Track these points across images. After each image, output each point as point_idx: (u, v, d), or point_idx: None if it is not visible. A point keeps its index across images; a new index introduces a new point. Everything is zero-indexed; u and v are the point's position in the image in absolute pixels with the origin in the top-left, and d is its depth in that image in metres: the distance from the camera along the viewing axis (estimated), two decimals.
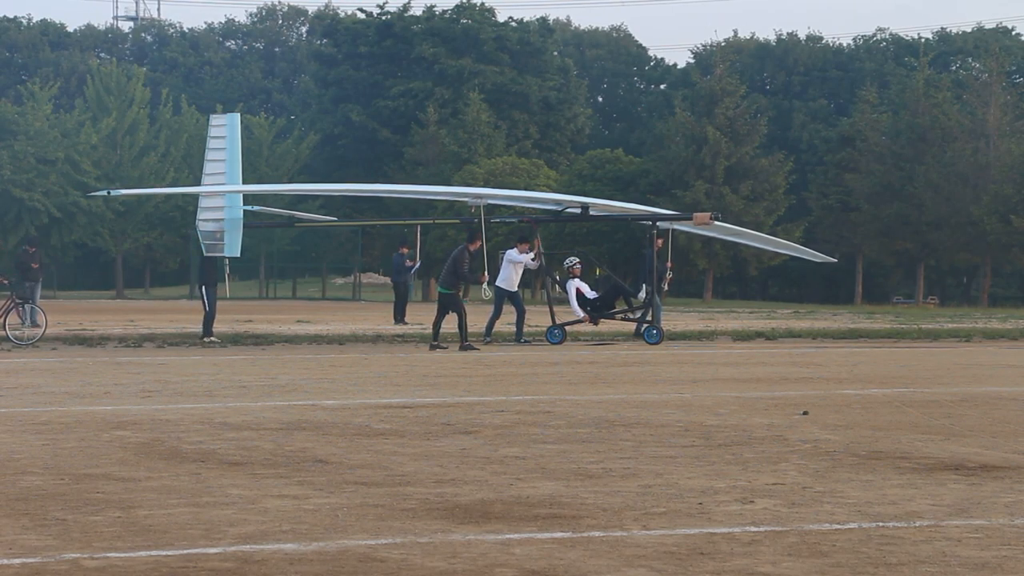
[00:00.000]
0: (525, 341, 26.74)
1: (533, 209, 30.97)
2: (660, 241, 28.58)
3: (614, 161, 72.02)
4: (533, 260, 27.38)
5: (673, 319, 36.84)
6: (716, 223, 28.72)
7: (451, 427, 11.90)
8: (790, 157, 73.50)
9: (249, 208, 29.83)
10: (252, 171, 72.56)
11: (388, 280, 51.76)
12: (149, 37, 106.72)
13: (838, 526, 7.50)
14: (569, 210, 29.34)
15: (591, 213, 29.46)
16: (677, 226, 31.54)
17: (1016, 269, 75.40)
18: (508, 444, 10.81)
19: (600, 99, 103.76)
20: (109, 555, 6.68)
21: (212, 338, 26.01)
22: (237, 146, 27.98)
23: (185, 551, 6.79)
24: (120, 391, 15.35)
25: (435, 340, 24.81)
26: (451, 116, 77.57)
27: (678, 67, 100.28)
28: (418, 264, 35.97)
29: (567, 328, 27.35)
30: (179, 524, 7.44)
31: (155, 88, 78.61)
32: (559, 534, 7.24)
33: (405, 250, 35.81)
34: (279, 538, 7.10)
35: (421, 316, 37.62)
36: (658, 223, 28.90)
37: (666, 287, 29.27)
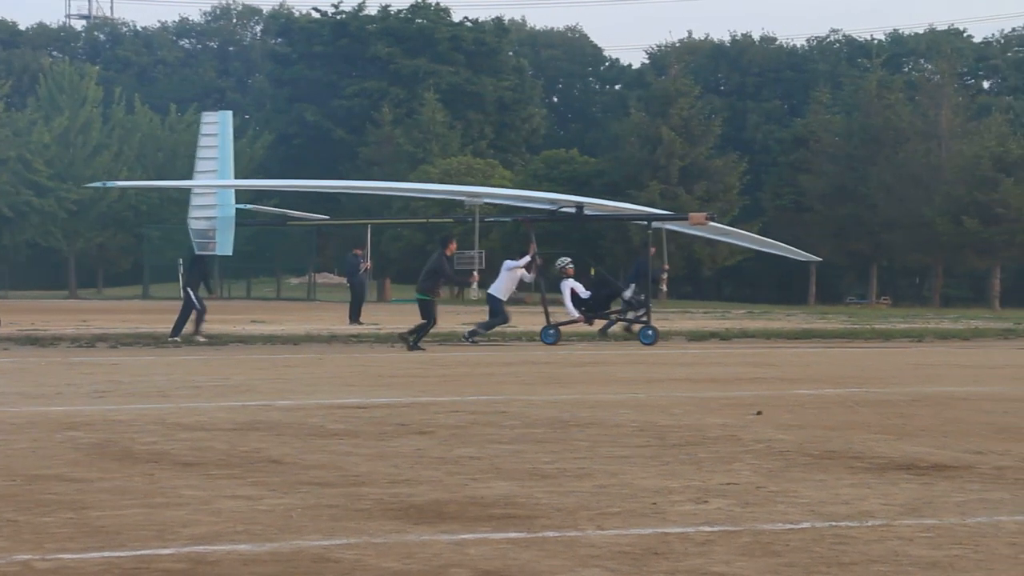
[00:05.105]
0: (472, 341, 26.64)
1: (528, 209, 30.85)
2: (653, 250, 28.68)
3: (569, 161, 72.12)
4: (530, 273, 27.48)
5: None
6: (710, 223, 28.81)
7: (406, 427, 11.88)
8: (744, 158, 73.81)
9: (242, 206, 29.71)
10: None
11: (343, 280, 51.56)
12: (102, 36, 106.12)
13: (791, 526, 7.53)
14: (564, 210, 29.32)
15: (586, 213, 29.43)
16: (671, 226, 31.58)
17: (967, 270, 75.93)
18: (463, 444, 10.80)
19: (555, 99, 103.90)
20: (61, 556, 6.64)
21: (200, 337, 26.00)
22: (229, 144, 27.90)
23: (138, 552, 6.75)
24: (73, 391, 15.26)
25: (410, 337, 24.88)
26: (406, 116, 77.55)
27: (633, 67, 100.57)
28: (368, 265, 35.88)
29: (561, 328, 27.37)
30: (132, 525, 7.40)
31: (108, 87, 78.21)
32: (513, 534, 7.24)
33: (359, 251, 35.75)
34: (233, 539, 7.07)
35: (376, 316, 37.56)
36: (652, 223, 28.99)
37: (663, 288, 29.34)
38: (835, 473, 9.41)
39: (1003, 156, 66.65)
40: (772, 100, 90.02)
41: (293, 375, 18.09)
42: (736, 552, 6.84)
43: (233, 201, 27.78)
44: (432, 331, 25.46)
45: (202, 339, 25.94)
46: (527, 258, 27.54)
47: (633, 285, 28.11)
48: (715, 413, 13.25)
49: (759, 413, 13.16)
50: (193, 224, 27.53)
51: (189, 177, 65.81)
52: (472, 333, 26.87)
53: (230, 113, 28.85)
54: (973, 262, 70.01)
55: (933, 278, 73.97)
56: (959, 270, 76.77)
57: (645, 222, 29.42)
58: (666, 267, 29.69)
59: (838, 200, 70.90)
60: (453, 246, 26.03)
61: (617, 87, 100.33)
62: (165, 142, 77.43)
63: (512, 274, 27.67)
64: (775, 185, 75.91)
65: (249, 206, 32.47)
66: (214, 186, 27.55)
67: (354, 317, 35.03)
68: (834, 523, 7.59)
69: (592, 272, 30.40)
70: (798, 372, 19.59)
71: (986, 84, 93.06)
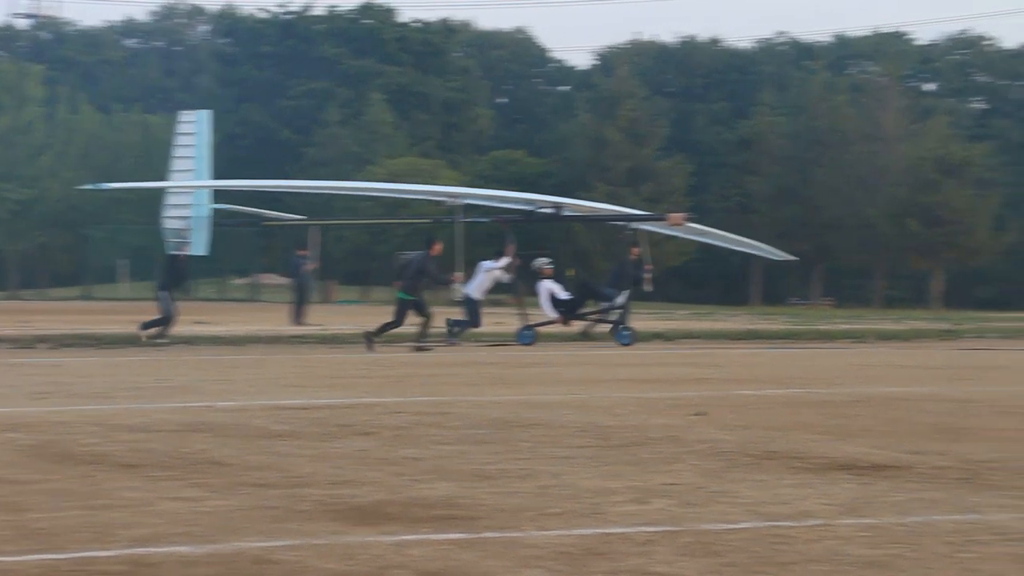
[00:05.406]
0: (452, 342, 26.61)
1: (507, 209, 30.78)
2: (636, 251, 28.77)
3: (516, 162, 72.21)
4: (507, 272, 27.39)
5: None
6: (687, 224, 28.89)
7: (348, 428, 11.86)
8: (690, 159, 74.06)
9: (218, 206, 29.50)
10: (150, 169, 71.80)
11: (288, 281, 51.39)
12: (46, 35, 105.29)
13: (732, 526, 7.56)
14: (542, 210, 29.31)
15: (564, 213, 29.38)
16: (648, 227, 31.62)
17: (910, 271, 76.48)
18: (405, 445, 10.79)
19: (502, 100, 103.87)
20: None
21: (163, 339, 25.83)
22: (206, 143, 27.71)
23: (77, 554, 6.72)
24: (13, 392, 15.14)
25: (421, 342, 24.85)
26: (352, 116, 77.39)
27: (580, 69, 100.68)
28: (313, 265, 35.79)
29: (538, 329, 27.41)
30: (71, 527, 7.36)
31: (52, 86, 77.67)
32: (455, 535, 7.25)
33: (304, 252, 35.69)
34: (173, 540, 7.04)
35: (321, 317, 37.45)
36: (630, 224, 29.06)
37: (648, 288, 29.31)
38: (776, 473, 9.46)
39: (946, 158, 67.19)
40: (718, 102, 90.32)
41: (236, 376, 18.03)
42: (677, 552, 6.87)
43: (208, 200, 27.64)
44: (391, 332, 25.37)
45: (151, 338, 25.82)
46: (506, 259, 27.48)
47: (627, 291, 28.21)
48: (658, 414, 13.29)
49: (702, 414, 13.21)
50: (168, 224, 27.38)
51: (134, 177, 65.47)
52: (449, 333, 26.82)
53: (208, 112, 28.65)
54: (915, 263, 70.54)
55: (876, 279, 74.43)
56: (901, 271, 77.32)
57: (623, 223, 29.51)
58: (649, 267, 29.66)
59: (783, 201, 71.30)
60: (438, 247, 25.93)
61: (564, 88, 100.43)
62: (110, 142, 76.98)
63: (490, 274, 27.65)
64: (721, 187, 76.24)
65: (226, 206, 32.22)
66: (206, 187, 27.41)
67: (298, 318, 34.94)
68: (774, 523, 7.63)
69: (569, 273, 30.54)
70: (741, 373, 19.67)
71: (929, 87, 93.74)
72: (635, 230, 29.42)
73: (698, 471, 9.53)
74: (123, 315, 36.62)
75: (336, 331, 29.69)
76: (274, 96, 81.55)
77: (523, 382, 17.38)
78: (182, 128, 28.10)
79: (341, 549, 6.89)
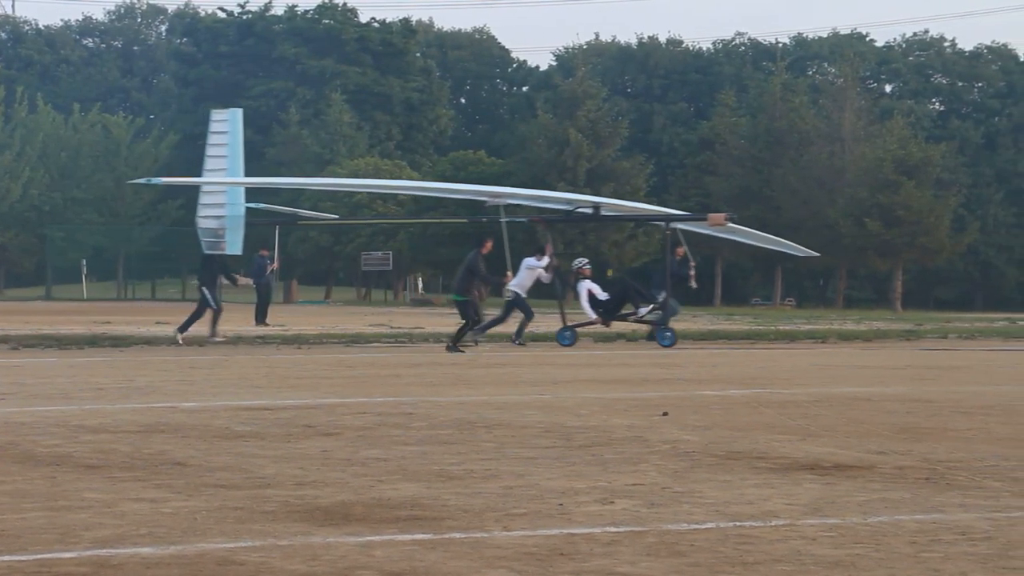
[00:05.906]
0: (520, 343, 26.61)
1: (546, 209, 30.64)
2: (681, 250, 28.72)
3: (477, 163, 72.19)
4: (547, 272, 27.25)
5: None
6: (728, 223, 28.84)
7: (312, 429, 11.83)
8: (651, 159, 74.21)
9: (252, 205, 29.37)
10: (110, 171, 71.61)
11: (250, 281, 51.27)
12: (3, 34, 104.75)
13: (696, 526, 7.57)
14: (581, 210, 29.23)
15: (603, 213, 29.31)
16: (688, 227, 31.55)
17: (870, 271, 76.84)
18: (369, 446, 10.77)
19: (463, 100, 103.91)
20: None
21: (217, 337, 25.78)
22: (239, 141, 27.61)
23: (39, 556, 6.67)
24: None
25: (454, 342, 24.88)
26: (313, 117, 77.24)
27: (540, 69, 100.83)
28: (275, 266, 35.78)
29: (578, 330, 27.43)
30: (33, 529, 7.31)
31: (10, 86, 77.24)
32: (420, 536, 7.23)
33: (266, 252, 35.63)
34: (136, 542, 7.00)
35: (282, 317, 37.37)
36: (671, 225, 28.99)
37: (694, 284, 29.16)
38: (740, 473, 9.47)
39: (904, 159, 67.52)
40: (678, 102, 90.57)
41: (198, 377, 17.96)
42: (641, 552, 6.87)
43: (243, 200, 27.58)
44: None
45: (219, 339, 25.84)
46: (547, 259, 27.39)
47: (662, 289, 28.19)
48: (621, 414, 13.29)
49: (665, 414, 13.22)
50: (201, 223, 27.31)
51: (94, 177, 64.90)
52: (517, 334, 26.84)
53: (240, 111, 28.53)
54: (875, 263, 70.85)
55: (837, 280, 74.73)
56: (862, 272, 77.68)
57: (662, 223, 29.50)
58: (693, 264, 29.50)
59: (743, 202, 71.45)
60: (489, 245, 25.80)
61: (524, 89, 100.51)
62: (69, 142, 76.64)
63: (531, 272, 27.58)
64: (681, 187, 76.40)
65: (261, 205, 32.13)
66: (241, 183, 27.35)
67: (260, 318, 34.86)
68: (738, 523, 7.64)
69: (608, 273, 30.54)
70: (704, 373, 19.71)
71: (888, 88, 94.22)
72: (676, 229, 29.38)
73: (662, 471, 9.53)
74: (85, 315, 36.47)
75: (299, 331, 29.61)
76: (234, 96, 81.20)
77: (485, 382, 17.37)
78: (214, 127, 27.98)
79: (305, 550, 6.86)
